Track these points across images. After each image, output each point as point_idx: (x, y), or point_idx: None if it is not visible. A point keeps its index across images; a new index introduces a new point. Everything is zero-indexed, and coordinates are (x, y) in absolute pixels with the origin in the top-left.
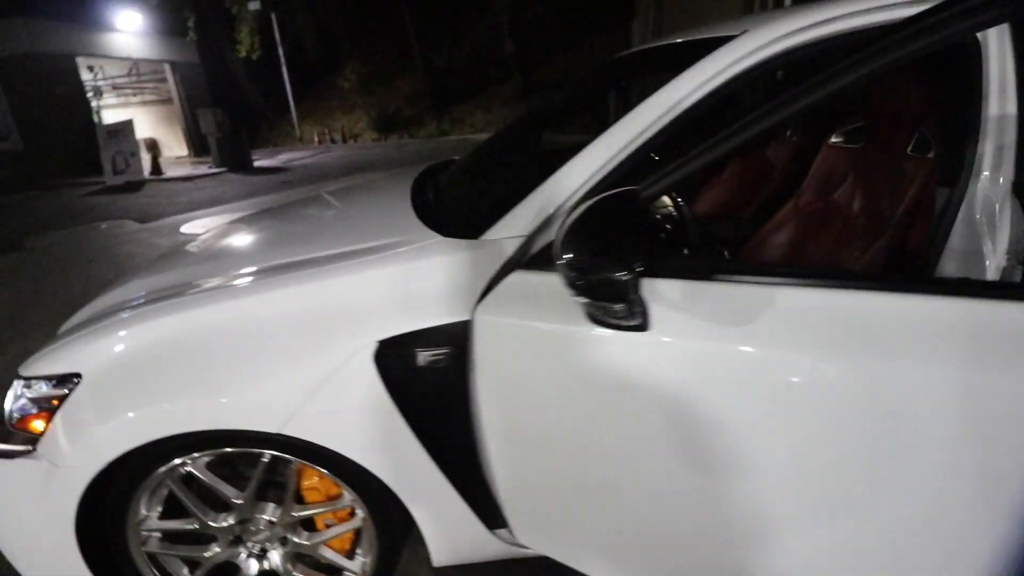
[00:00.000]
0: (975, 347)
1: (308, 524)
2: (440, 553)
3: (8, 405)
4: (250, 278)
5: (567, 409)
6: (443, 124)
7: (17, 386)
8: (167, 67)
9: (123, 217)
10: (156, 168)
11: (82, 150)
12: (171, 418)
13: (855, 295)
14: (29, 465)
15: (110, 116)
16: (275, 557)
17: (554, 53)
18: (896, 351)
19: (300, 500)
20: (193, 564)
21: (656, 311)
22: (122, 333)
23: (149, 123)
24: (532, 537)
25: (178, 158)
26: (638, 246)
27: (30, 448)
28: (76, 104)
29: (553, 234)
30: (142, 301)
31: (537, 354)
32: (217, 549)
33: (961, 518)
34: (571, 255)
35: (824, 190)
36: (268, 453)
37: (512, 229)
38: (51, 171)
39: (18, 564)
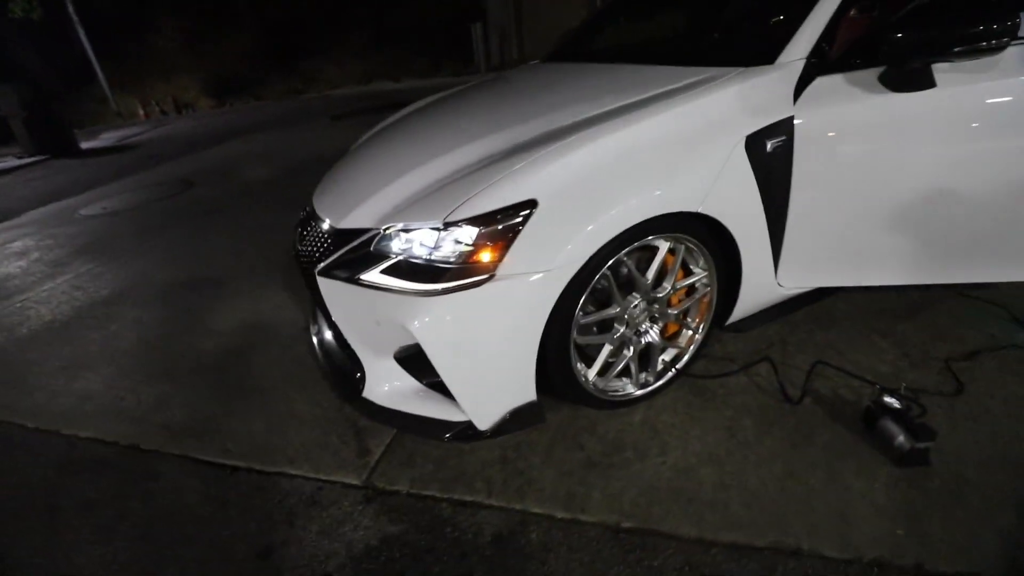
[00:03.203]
0: None
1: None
2: (741, 307)
3: (444, 252)
4: (626, 112)
5: (867, 154)
6: (293, 83)
7: (447, 235)
8: None
9: None
10: None
11: None
12: (636, 209)
13: None
14: (491, 288)
15: None
16: (652, 331)
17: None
18: None
19: (660, 284)
20: (590, 355)
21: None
22: (564, 161)
23: None
24: (809, 275)
25: None
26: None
27: (490, 275)
28: None
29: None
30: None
31: (843, 119)
32: (624, 331)
33: None
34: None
35: None
36: (665, 244)
37: (796, 52)
38: None
39: (462, 375)
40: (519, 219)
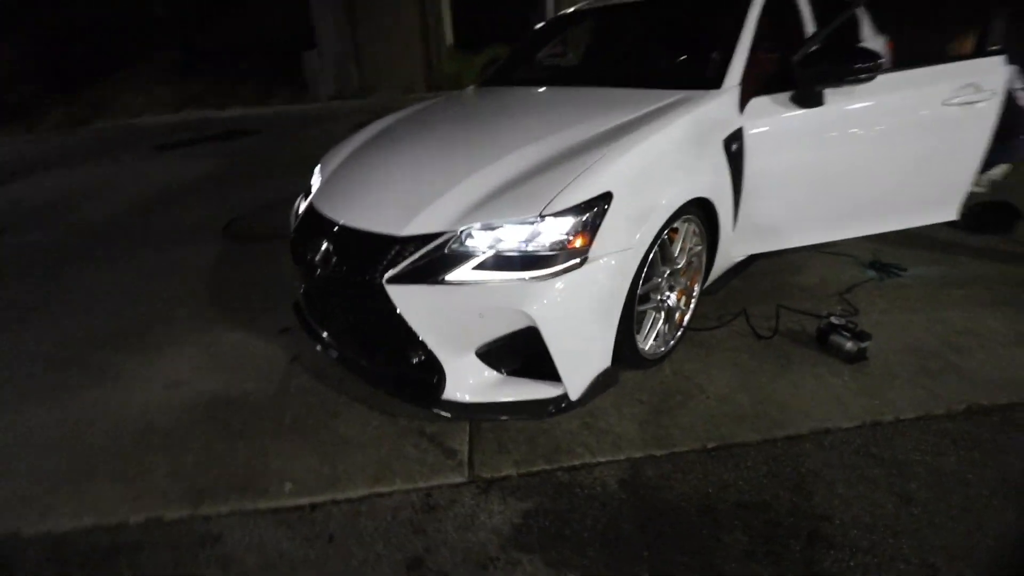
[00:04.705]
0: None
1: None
2: (714, 273)
3: (543, 241)
4: (645, 122)
5: (784, 152)
6: (77, 110)
7: (543, 227)
8: None
9: None
10: None
11: None
12: (680, 196)
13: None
14: (586, 269)
15: None
16: (672, 297)
17: (219, 15)
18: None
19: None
20: (638, 319)
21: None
22: (624, 160)
23: None
24: (749, 244)
25: None
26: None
27: (583, 258)
28: None
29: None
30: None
31: (772, 129)
32: (658, 298)
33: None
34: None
35: None
36: (684, 223)
37: (733, 80)
38: None
39: (565, 350)
40: (602, 208)
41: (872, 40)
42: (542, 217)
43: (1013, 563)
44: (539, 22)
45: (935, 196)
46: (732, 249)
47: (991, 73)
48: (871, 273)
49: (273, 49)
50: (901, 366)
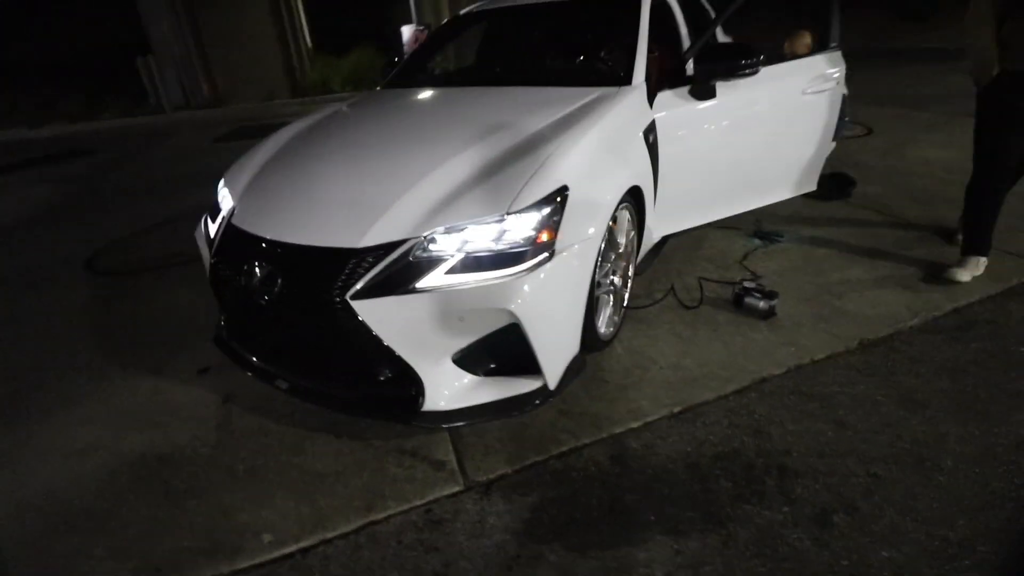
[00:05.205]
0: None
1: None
2: (644, 246)
3: (512, 238)
4: (578, 117)
5: (689, 141)
6: None
7: (509, 224)
8: None
9: None
10: None
11: None
12: (621, 185)
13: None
14: (554, 262)
15: None
16: (616, 280)
17: (32, 25)
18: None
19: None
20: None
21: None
22: (572, 153)
23: None
24: (665, 226)
25: None
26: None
27: (551, 251)
28: None
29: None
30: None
31: (677, 120)
32: (607, 282)
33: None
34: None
35: None
36: (622, 210)
37: (639, 77)
38: None
39: (543, 342)
40: (562, 202)
41: (723, 40)
42: (507, 215)
43: (929, 456)
44: (404, 24)
45: (801, 172)
46: (654, 231)
47: (834, 65)
48: (757, 242)
49: (99, 57)
50: (803, 316)
